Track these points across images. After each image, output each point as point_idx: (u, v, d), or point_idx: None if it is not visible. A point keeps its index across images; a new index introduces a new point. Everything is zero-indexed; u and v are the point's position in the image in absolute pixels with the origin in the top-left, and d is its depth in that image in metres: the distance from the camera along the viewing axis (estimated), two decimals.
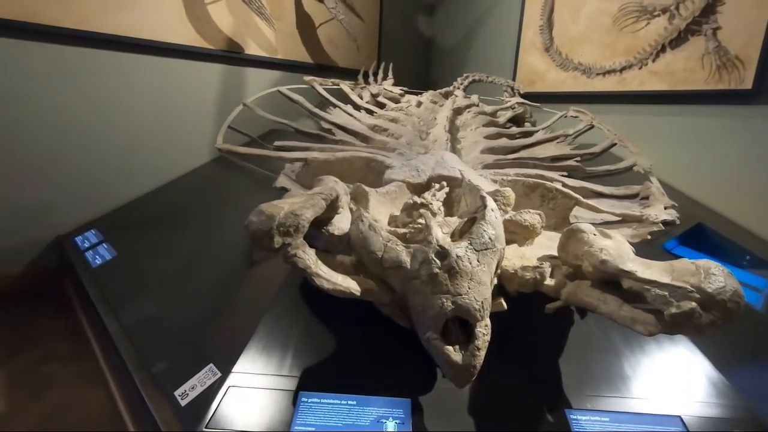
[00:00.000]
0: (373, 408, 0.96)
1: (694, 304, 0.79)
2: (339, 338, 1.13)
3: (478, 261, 0.92)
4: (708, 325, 0.80)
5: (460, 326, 0.89)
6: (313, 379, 1.02)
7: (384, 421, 0.94)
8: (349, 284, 0.92)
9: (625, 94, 2.76)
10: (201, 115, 2.68)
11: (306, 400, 0.97)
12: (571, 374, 1.05)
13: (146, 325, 1.34)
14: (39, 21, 1.97)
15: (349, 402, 0.97)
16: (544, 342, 1.14)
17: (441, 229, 1.03)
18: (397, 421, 0.94)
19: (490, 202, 1.03)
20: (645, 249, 1.64)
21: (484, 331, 0.87)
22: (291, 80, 2.83)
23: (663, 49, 2.54)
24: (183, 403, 0.99)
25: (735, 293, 0.81)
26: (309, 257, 0.91)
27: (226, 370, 1.04)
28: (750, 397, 1.02)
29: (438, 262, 0.89)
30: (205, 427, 0.90)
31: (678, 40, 2.47)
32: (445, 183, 1.33)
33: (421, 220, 1.03)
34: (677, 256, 2.21)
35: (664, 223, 1.24)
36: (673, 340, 1.14)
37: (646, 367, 1.09)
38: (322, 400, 0.97)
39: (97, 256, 1.91)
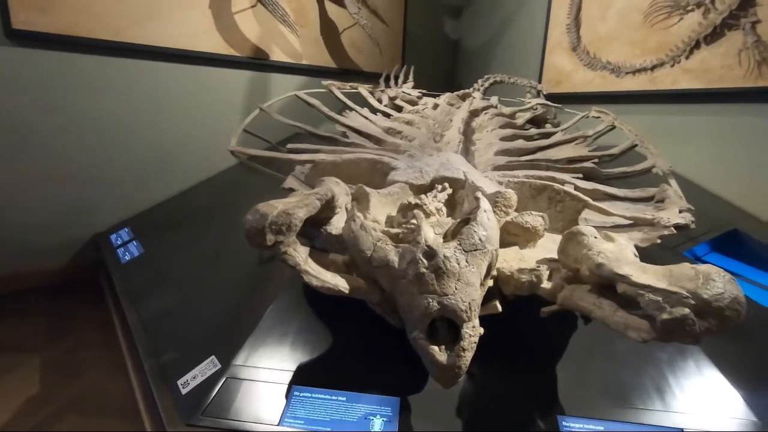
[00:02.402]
0: (361, 405, 0.98)
1: (686, 310, 0.76)
2: (336, 335, 1.15)
3: (466, 262, 0.92)
4: (704, 332, 0.77)
5: (449, 327, 0.89)
6: (307, 374, 1.05)
7: (371, 418, 0.95)
8: (338, 282, 0.94)
9: (656, 94, 2.64)
10: (228, 120, 2.79)
11: (298, 394, 1.00)
12: (568, 380, 1.02)
13: (161, 318, 1.42)
14: (78, 34, 2.13)
15: (339, 398, 0.99)
16: (542, 346, 1.12)
17: (433, 230, 1.03)
18: (384, 419, 0.95)
19: (484, 203, 1.02)
20: (665, 255, 1.57)
21: (470, 332, 0.87)
22: (315, 85, 2.90)
23: (697, 45, 2.42)
24: (184, 391, 1.05)
25: (734, 300, 0.76)
26: (299, 255, 0.94)
27: (226, 362, 1.09)
28: (760, 412, 0.95)
29: (425, 261, 0.89)
30: (201, 416, 0.95)
31: (713, 36, 2.34)
32: (447, 184, 1.32)
33: (414, 221, 1.04)
34: (707, 263, 2.09)
35: (677, 227, 1.18)
36: (683, 348, 1.09)
37: (649, 376, 1.04)
38: (314, 395, 1.00)
39: (127, 253, 2.04)
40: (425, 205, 1.10)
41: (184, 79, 2.59)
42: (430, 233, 0.99)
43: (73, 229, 2.42)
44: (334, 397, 0.99)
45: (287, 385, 1.01)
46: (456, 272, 0.89)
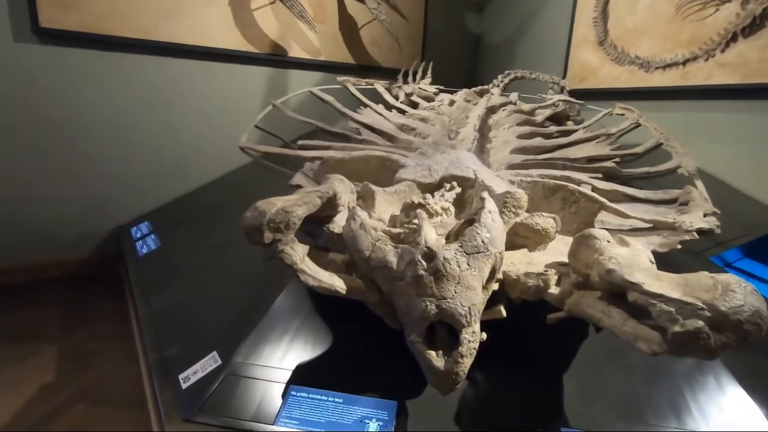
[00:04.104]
0: (358, 407, 0.96)
1: (701, 323, 0.70)
2: (337, 335, 1.14)
3: (468, 265, 0.88)
4: (720, 348, 0.71)
5: (448, 331, 0.86)
6: (306, 374, 1.04)
7: (367, 421, 0.93)
8: (334, 282, 0.92)
9: (688, 89, 2.50)
10: (247, 116, 2.79)
11: (295, 393, 0.99)
12: (575, 390, 0.98)
13: (170, 312, 1.44)
14: (102, 32, 2.18)
15: (336, 399, 0.97)
16: (549, 353, 1.07)
17: (436, 231, 1.00)
18: (380, 423, 0.92)
19: (489, 204, 0.98)
20: (690, 261, 1.49)
21: (470, 338, 0.84)
22: (333, 82, 2.90)
23: (734, 38, 2.27)
24: (184, 386, 1.05)
25: (755, 314, 0.70)
26: (296, 254, 0.93)
27: (227, 358, 1.09)
28: None
29: (424, 263, 0.86)
30: (198, 412, 0.95)
31: (752, 27, 2.20)
32: (455, 183, 1.28)
33: (416, 221, 1.01)
34: (739, 270, 1.97)
35: (700, 232, 1.11)
36: (702, 362, 1.02)
37: (664, 390, 0.98)
38: (311, 395, 0.98)
39: (144, 246, 2.08)
40: (428, 204, 1.07)
41: (203, 76, 2.63)
42: (432, 234, 0.96)
43: (97, 221, 2.50)
44: (330, 399, 0.97)
45: (285, 384, 1.00)
46: (456, 275, 0.86)
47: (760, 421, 0.93)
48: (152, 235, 2.17)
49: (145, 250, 2.03)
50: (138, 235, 2.26)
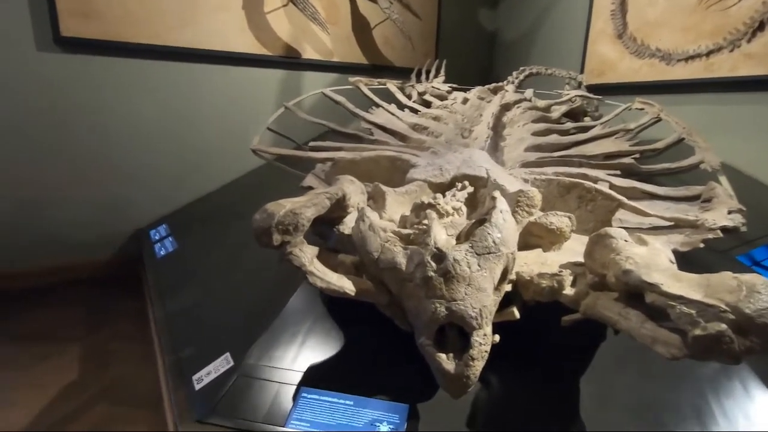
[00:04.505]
0: (369, 410, 0.95)
1: (724, 326, 0.67)
2: (349, 337, 1.13)
3: (478, 266, 0.86)
4: (744, 352, 0.67)
5: (459, 334, 0.84)
6: (318, 376, 1.03)
7: (378, 424, 0.92)
8: (343, 284, 0.92)
9: (712, 82, 2.41)
10: (262, 118, 2.83)
11: (306, 396, 0.99)
12: (592, 395, 0.95)
13: (185, 313, 1.46)
14: (120, 39, 2.23)
15: (347, 402, 0.96)
16: (565, 356, 1.04)
17: (446, 231, 0.99)
18: (391, 426, 0.91)
19: (501, 203, 0.96)
20: (715, 259, 1.43)
21: (481, 340, 0.82)
22: (347, 83, 2.91)
23: (761, 27, 2.18)
24: (197, 387, 1.07)
25: None
26: (305, 255, 0.92)
27: (239, 359, 1.09)
28: None
29: (433, 265, 0.85)
30: (210, 413, 0.96)
31: None
32: (467, 183, 1.26)
33: (426, 221, 0.99)
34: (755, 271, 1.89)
35: (724, 230, 1.06)
36: (727, 365, 0.98)
37: (687, 395, 0.94)
38: (322, 398, 0.98)
39: (162, 248, 2.12)
40: (439, 204, 1.05)
41: (219, 79, 2.67)
42: (442, 235, 0.94)
43: (118, 224, 2.56)
44: (341, 401, 0.97)
45: (296, 386, 1.00)
46: (466, 276, 0.84)
47: None
48: (170, 238, 2.21)
49: (163, 252, 2.07)
50: (156, 238, 2.31)
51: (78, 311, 2.03)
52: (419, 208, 1.06)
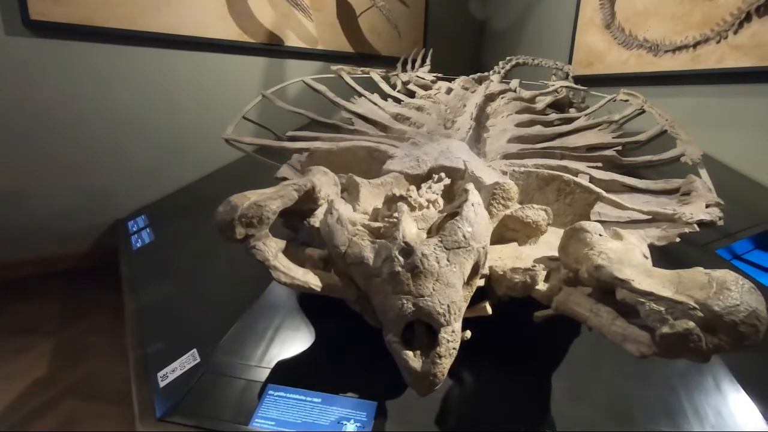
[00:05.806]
0: (336, 408, 0.93)
1: (691, 324, 0.65)
2: (321, 333, 1.10)
3: (447, 261, 0.84)
4: (713, 350, 0.66)
5: (427, 330, 0.82)
6: (286, 373, 1.01)
7: (345, 422, 0.90)
8: (309, 279, 0.89)
9: (699, 74, 2.40)
10: (243, 108, 2.78)
11: (272, 393, 0.96)
12: (563, 391, 0.93)
13: (156, 307, 1.42)
14: (92, 23, 2.15)
15: (314, 399, 0.94)
16: (537, 352, 1.02)
17: (417, 225, 0.95)
18: (358, 424, 0.89)
19: (473, 196, 0.93)
20: (694, 253, 1.42)
21: (449, 337, 0.80)
22: (330, 71, 2.85)
23: (748, 18, 2.16)
24: (161, 384, 1.03)
25: (752, 314, 0.65)
26: (269, 249, 0.89)
27: (206, 356, 1.06)
28: None
29: (401, 259, 0.82)
30: (172, 412, 0.93)
31: (767, 7, 2.08)
32: (444, 174, 1.23)
33: (396, 214, 0.96)
34: (748, 262, 1.89)
35: (701, 224, 1.04)
36: (703, 365, 0.96)
37: (658, 391, 0.93)
38: (288, 395, 0.95)
39: (139, 240, 2.07)
40: (411, 197, 1.02)
41: (198, 67, 2.59)
42: (412, 228, 0.91)
43: (96, 215, 2.50)
44: (308, 398, 0.94)
45: (263, 383, 0.97)
46: (434, 272, 0.81)
47: (760, 424, 0.88)
48: (147, 229, 2.16)
49: (139, 244, 2.02)
50: (134, 229, 2.25)
51: (55, 304, 1.98)
52: (391, 201, 1.03)
